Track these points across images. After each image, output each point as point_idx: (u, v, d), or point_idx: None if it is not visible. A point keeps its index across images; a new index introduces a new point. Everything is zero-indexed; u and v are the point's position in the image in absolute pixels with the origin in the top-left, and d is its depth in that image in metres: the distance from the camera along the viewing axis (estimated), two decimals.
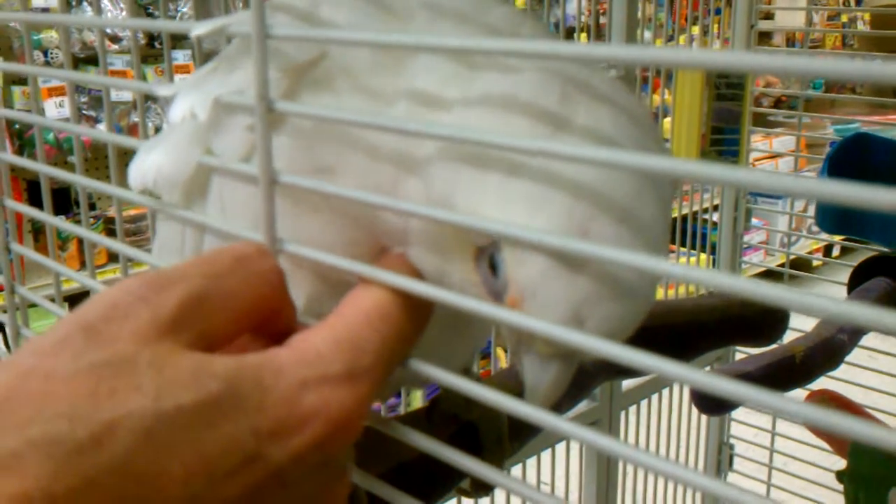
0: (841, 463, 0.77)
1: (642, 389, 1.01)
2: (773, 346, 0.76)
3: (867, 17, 3.24)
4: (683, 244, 1.11)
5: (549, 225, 0.25)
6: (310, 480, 0.24)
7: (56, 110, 2.11)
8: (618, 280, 0.25)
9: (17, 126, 2.10)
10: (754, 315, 0.73)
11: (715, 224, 1.19)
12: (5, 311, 0.55)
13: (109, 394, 0.21)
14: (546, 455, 0.86)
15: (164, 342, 0.22)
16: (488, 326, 0.46)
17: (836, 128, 2.92)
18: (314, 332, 0.25)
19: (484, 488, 0.52)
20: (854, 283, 0.87)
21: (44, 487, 0.19)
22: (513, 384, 0.45)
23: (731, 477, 1.25)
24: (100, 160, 2.30)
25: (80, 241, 2.07)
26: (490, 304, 0.26)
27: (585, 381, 0.63)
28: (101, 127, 2.17)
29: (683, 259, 1.12)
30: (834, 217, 0.93)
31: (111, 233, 2.14)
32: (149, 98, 2.07)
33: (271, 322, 0.27)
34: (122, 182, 0.40)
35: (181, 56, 2.26)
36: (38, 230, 2.12)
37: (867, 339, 0.87)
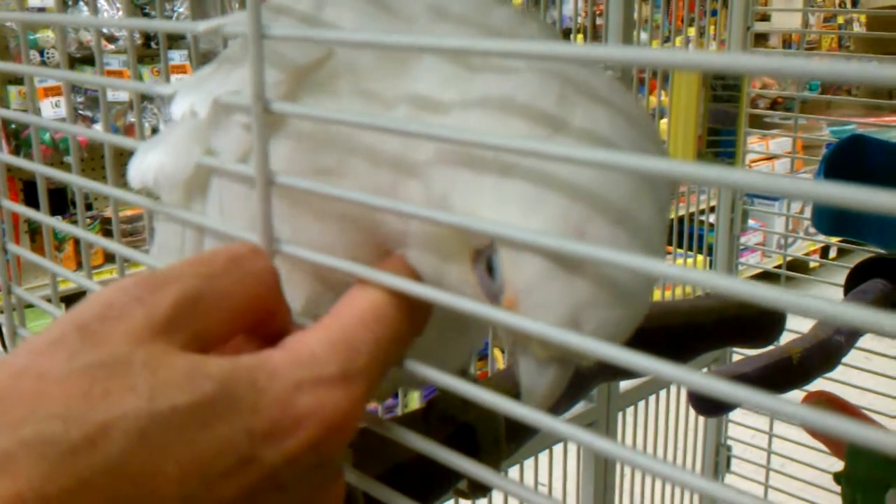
0: (839, 464, 0.77)
1: (640, 390, 1.01)
2: (770, 347, 0.76)
3: (863, 18, 3.25)
4: (680, 245, 1.12)
5: (545, 226, 0.25)
6: (304, 482, 0.24)
7: (52, 110, 2.11)
8: (614, 282, 0.25)
9: (13, 126, 2.09)
10: (751, 316, 0.73)
11: (711, 225, 1.19)
12: (2, 312, 0.54)
13: (103, 394, 0.21)
14: (543, 456, 0.86)
15: (158, 343, 0.22)
16: (486, 328, 0.46)
17: (832, 129, 2.92)
18: (309, 333, 0.25)
19: (481, 489, 0.52)
20: (851, 285, 0.87)
21: (37, 488, 0.19)
22: (510, 385, 0.45)
23: (729, 478, 1.25)
24: (96, 160, 2.30)
25: (77, 242, 2.07)
26: (486, 306, 0.26)
27: (583, 382, 0.63)
28: (98, 127, 2.17)
29: (680, 260, 1.13)
30: (830, 219, 0.93)
31: (108, 233, 2.14)
32: (145, 98, 2.07)
33: (266, 323, 0.27)
34: (119, 182, 0.40)
35: (177, 56, 2.26)
36: (34, 230, 2.12)
37: (863, 341, 0.87)
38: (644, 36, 1.19)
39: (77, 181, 0.44)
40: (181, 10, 2.28)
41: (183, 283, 0.24)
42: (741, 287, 0.19)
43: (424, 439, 0.28)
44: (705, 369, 1.11)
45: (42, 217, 0.50)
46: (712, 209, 1.21)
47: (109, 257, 2.13)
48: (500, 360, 1.36)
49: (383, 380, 0.26)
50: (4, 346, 0.59)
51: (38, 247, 2.04)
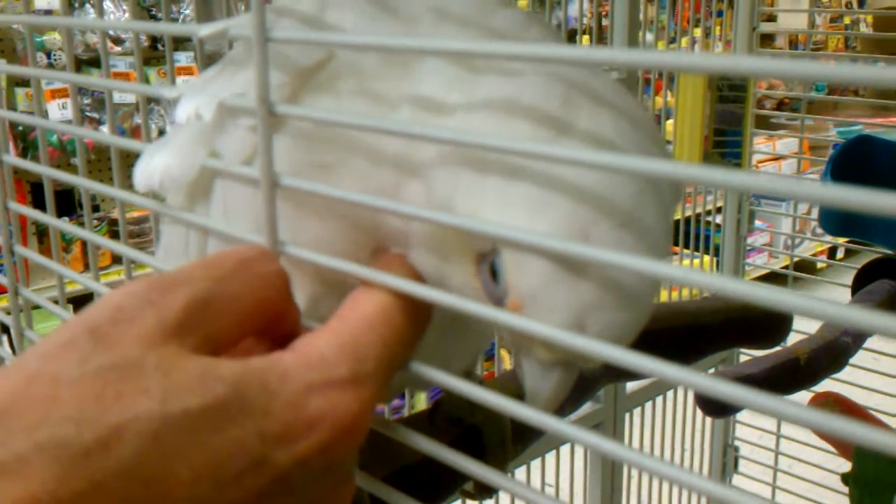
0: (846, 465, 0.77)
1: (647, 391, 1.01)
2: (777, 348, 0.76)
3: (870, 19, 3.24)
4: (687, 246, 1.11)
5: (549, 229, 0.25)
6: (315, 485, 0.24)
7: (59, 112, 2.12)
8: (619, 284, 0.25)
9: (20, 128, 2.10)
10: (758, 317, 0.73)
11: (718, 226, 1.19)
12: (9, 313, 0.55)
13: (116, 397, 0.21)
14: (550, 457, 0.86)
15: (169, 345, 0.23)
16: (491, 329, 0.46)
17: (838, 130, 2.91)
18: (318, 335, 0.25)
19: (487, 491, 0.52)
20: (858, 286, 0.87)
21: (50, 491, 0.19)
22: (516, 387, 0.45)
23: (736, 479, 1.25)
24: (103, 162, 2.30)
25: (84, 243, 2.07)
26: (490, 308, 0.26)
27: (589, 383, 0.63)
28: (105, 129, 2.18)
29: (687, 261, 1.12)
30: (837, 219, 0.92)
31: (115, 235, 2.14)
32: (151, 100, 2.07)
33: (275, 325, 0.27)
34: (125, 184, 0.40)
35: (183, 58, 2.26)
36: (41, 232, 2.12)
37: (871, 342, 0.87)
38: (650, 37, 1.19)
39: (84, 183, 0.44)
40: (187, 11, 2.29)
41: (193, 286, 0.24)
42: (746, 289, 0.19)
43: (430, 441, 0.28)
44: (712, 370, 1.11)
45: (49, 219, 0.50)
46: (719, 210, 1.21)
47: (117, 259, 2.14)
48: (506, 361, 1.36)
49: (390, 381, 0.26)
50: (12, 348, 0.59)
51: (46, 248, 2.04)
